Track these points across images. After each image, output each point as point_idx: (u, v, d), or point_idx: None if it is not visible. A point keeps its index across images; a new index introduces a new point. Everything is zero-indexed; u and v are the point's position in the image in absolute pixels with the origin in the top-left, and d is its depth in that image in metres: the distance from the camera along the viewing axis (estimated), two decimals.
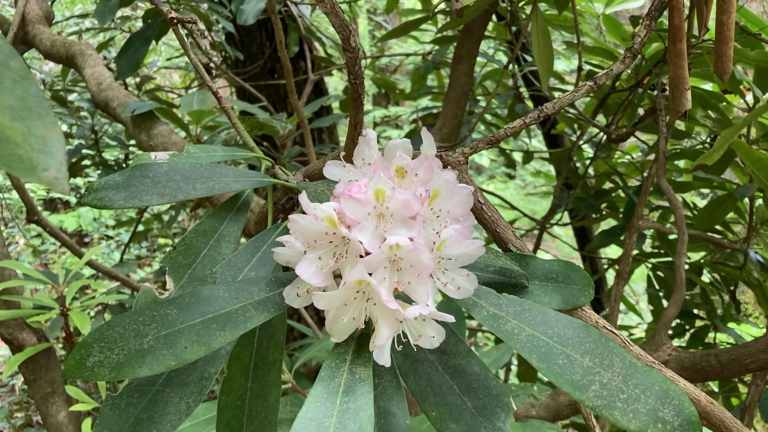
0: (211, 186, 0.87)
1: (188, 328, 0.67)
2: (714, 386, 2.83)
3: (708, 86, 2.41)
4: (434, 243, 0.68)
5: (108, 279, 3.43)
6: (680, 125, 2.69)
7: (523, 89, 3.03)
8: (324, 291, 0.69)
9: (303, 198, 0.68)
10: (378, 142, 0.78)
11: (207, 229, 0.89)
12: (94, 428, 0.70)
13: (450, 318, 0.68)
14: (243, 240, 1.45)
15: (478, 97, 3.09)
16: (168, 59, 4.26)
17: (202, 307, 0.69)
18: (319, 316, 3.04)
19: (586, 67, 2.69)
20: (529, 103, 3.14)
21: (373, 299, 0.67)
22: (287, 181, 0.94)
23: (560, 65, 5.51)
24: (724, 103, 2.34)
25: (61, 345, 2.81)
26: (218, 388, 0.88)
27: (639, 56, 2.32)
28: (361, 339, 0.72)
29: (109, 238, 6.48)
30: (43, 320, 2.27)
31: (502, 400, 0.83)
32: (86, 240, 6.69)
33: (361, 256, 0.66)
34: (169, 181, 0.87)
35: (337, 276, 0.71)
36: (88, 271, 4.58)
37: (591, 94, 2.77)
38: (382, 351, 0.69)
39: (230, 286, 0.72)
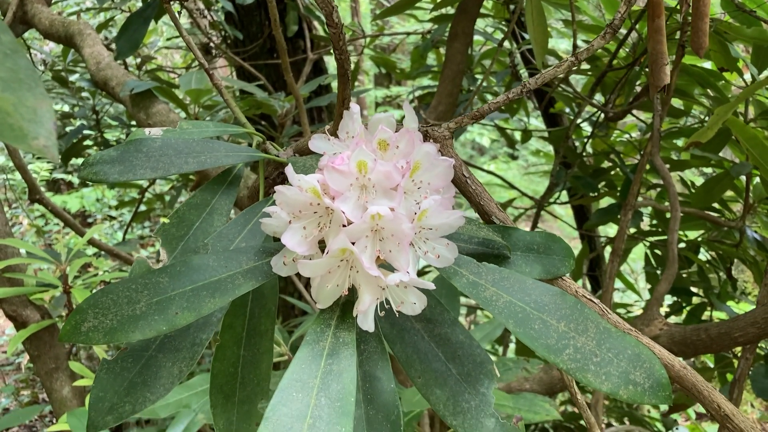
0: (202, 160, 0.90)
1: (179, 295, 0.70)
2: (710, 362, 2.86)
3: (706, 64, 2.42)
4: (415, 213, 0.70)
5: (110, 257, 3.47)
6: (678, 103, 2.70)
7: (521, 68, 3.04)
8: (310, 260, 0.72)
9: (289, 170, 0.71)
10: None
11: (199, 203, 0.92)
12: (91, 391, 0.73)
13: (430, 285, 0.70)
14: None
15: (477, 76, 3.10)
16: (168, 39, 4.27)
17: (193, 275, 0.72)
18: None
19: (584, 46, 2.69)
20: None
21: (356, 267, 0.70)
22: (278, 156, 0.96)
23: (562, 44, 5.49)
24: (722, 82, 2.34)
25: (64, 322, 2.85)
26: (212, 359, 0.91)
27: (636, 34, 2.33)
28: (345, 306, 0.74)
29: (112, 218, 6.53)
30: (46, 298, 2.31)
31: (485, 367, 0.86)
32: (89, 220, 6.73)
33: (344, 226, 0.69)
34: (162, 156, 0.89)
35: (322, 245, 0.73)
36: (91, 251, 4.62)
37: (589, 73, 2.78)
38: (365, 317, 0.71)
39: (220, 256, 0.75)
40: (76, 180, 7.28)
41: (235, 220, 0.86)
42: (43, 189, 6.95)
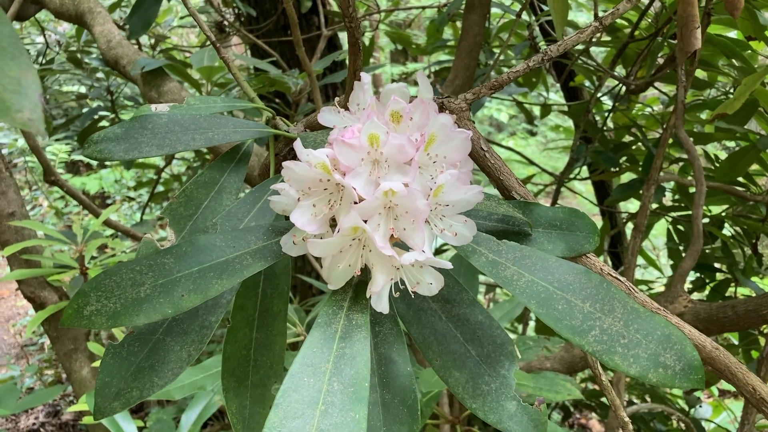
0: (210, 137, 0.86)
1: (185, 277, 0.67)
2: (734, 339, 2.81)
3: (732, 34, 2.33)
4: (431, 189, 0.67)
5: (128, 238, 3.47)
6: (702, 75, 2.62)
7: (539, 40, 2.96)
8: (320, 239, 0.68)
9: (297, 145, 0.67)
10: None
11: (207, 181, 0.89)
12: (97, 376, 0.71)
13: (447, 264, 0.67)
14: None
15: (495, 50, 3.03)
16: (182, 17, 4.22)
17: (199, 256, 0.69)
18: None
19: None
20: None
21: (368, 246, 0.67)
22: (288, 132, 0.93)
23: (581, 17, 5.38)
24: (749, 51, 2.26)
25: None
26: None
27: (659, 3, 2.25)
28: (358, 286, 0.71)
29: (131, 199, 6.55)
30: (66, 279, 2.31)
31: (506, 348, 0.82)
32: (108, 202, 6.77)
33: (356, 203, 0.65)
34: (168, 133, 0.86)
35: (334, 223, 0.70)
36: (109, 232, 4.64)
37: (610, 45, 2.71)
38: (379, 298, 0.68)
39: (227, 235, 0.72)
40: (95, 162, 7.31)
41: (245, 198, 0.83)
42: (62, 171, 7.00)
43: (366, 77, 0.72)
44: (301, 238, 0.69)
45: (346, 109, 0.75)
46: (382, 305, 0.68)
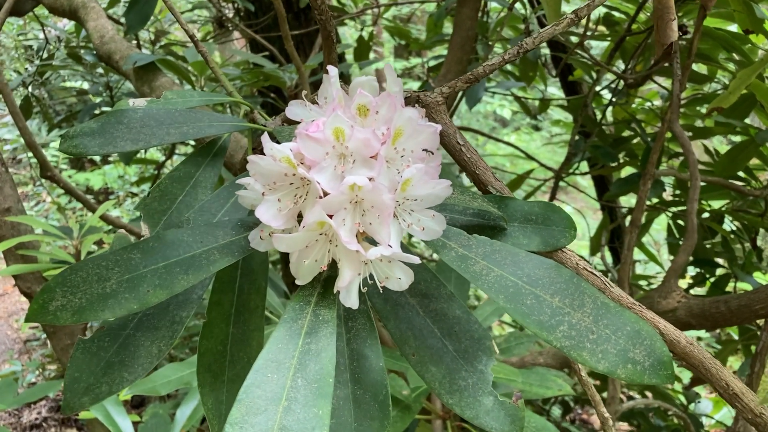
0: (184, 131, 0.86)
1: (151, 273, 0.67)
2: (734, 334, 2.79)
3: (732, 27, 2.31)
4: (399, 183, 0.66)
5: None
6: (702, 69, 2.59)
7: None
8: (289, 234, 0.68)
9: (264, 138, 0.67)
10: None
11: (182, 176, 0.89)
12: (66, 371, 0.71)
13: (415, 259, 0.66)
14: None
15: (497, 45, 3.02)
16: (183, 12, 4.22)
17: (166, 252, 0.69)
18: None
19: (603, 11, 2.59)
20: (544, 49, 3.05)
21: (335, 241, 0.66)
22: (265, 126, 0.92)
23: (570, 9, 5.35)
24: (748, 45, 2.24)
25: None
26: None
27: None
28: (327, 282, 0.71)
29: (134, 195, 6.56)
30: None
31: (484, 343, 0.82)
32: (112, 197, 6.78)
33: (321, 198, 0.65)
34: (143, 127, 0.86)
35: (301, 218, 0.69)
36: (107, 228, 4.65)
37: (608, 38, 2.69)
38: (348, 293, 0.68)
39: (195, 230, 0.71)
40: (98, 157, 7.33)
41: (218, 192, 0.83)
42: (66, 167, 7.02)
43: (333, 70, 0.71)
44: (268, 234, 0.69)
45: (315, 103, 0.75)
46: (351, 300, 0.68)
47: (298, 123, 0.93)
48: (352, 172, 0.64)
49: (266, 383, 0.61)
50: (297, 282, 0.69)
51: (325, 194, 0.64)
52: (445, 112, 0.84)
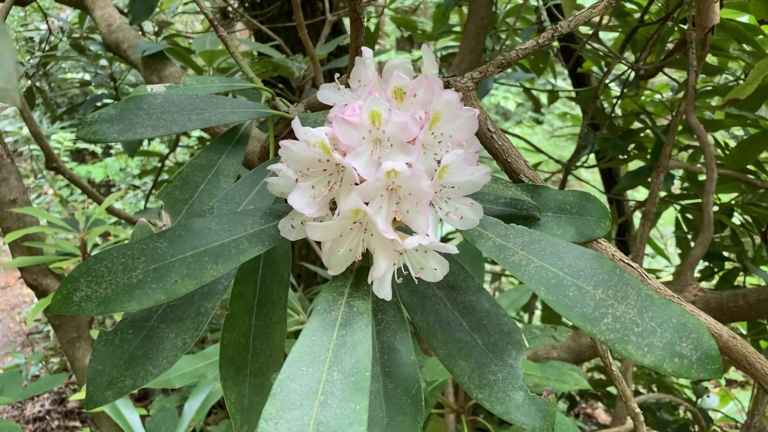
0: (207, 117, 0.83)
1: (179, 262, 0.64)
2: (742, 328, 2.77)
3: (744, 18, 2.29)
4: (435, 170, 0.64)
5: (130, 225, 3.45)
6: (713, 60, 2.57)
7: (547, 24, 2.91)
8: (320, 222, 0.65)
9: (295, 123, 0.64)
10: None
11: (204, 163, 0.86)
12: (89, 365, 0.68)
13: (453, 249, 0.64)
14: None
15: (501, 35, 2.99)
16: (186, 3, 4.19)
17: (193, 240, 0.66)
18: None
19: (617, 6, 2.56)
20: (555, 42, 3.02)
21: (370, 230, 0.64)
22: (287, 112, 0.90)
23: (587, 2, 5.31)
24: (761, 36, 2.21)
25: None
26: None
27: None
28: (360, 272, 0.68)
29: (136, 187, 6.53)
30: (65, 266, 2.29)
31: (513, 337, 0.80)
32: (113, 190, 6.75)
33: (357, 184, 0.62)
34: (164, 113, 0.83)
35: (334, 206, 0.67)
36: (112, 220, 4.62)
37: (619, 30, 2.66)
38: (381, 284, 0.65)
39: (223, 219, 0.69)
40: (99, 149, 7.30)
41: (242, 180, 0.80)
42: (66, 159, 6.99)
43: (368, 51, 0.69)
44: (300, 222, 0.66)
45: (347, 86, 0.72)
46: (384, 291, 0.65)
47: (320, 110, 0.90)
48: (389, 158, 0.62)
49: (301, 377, 0.58)
50: (329, 272, 0.66)
51: (361, 180, 0.62)
52: (476, 98, 0.81)
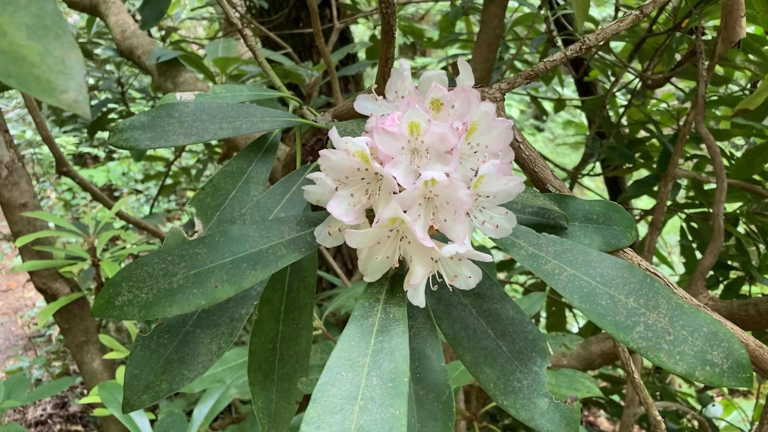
0: (237, 126, 0.84)
1: (218, 267, 0.66)
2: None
3: (750, 29, 2.31)
4: (471, 179, 0.65)
5: (138, 231, 3.46)
6: (719, 71, 2.59)
7: (556, 35, 2.93)
8: (357, 229, 0.67)
9: (333, 133, 0.65)
10: None
11: (235, 171, 0.87)
12: (126, 369, 0.69)
13: (488, 257, 0.65)
14: None
15: (509, 44, 3.01)
16: (192, 10, 4.21)
17: (232, 246, 0.67)
18: (347, 267, 3.04)
19: (623, 14, 2.59)
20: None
21: (407, 237, 0.65)
22: (315, 122, 0.91)
23: (592, 12, 5.34)
24: (766, 47, 2.24)
25: (93, 296, 2.85)
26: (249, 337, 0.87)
27: None
28: (395, 279, 0.69)
29: (138, 192, 6.54)
30: (75, 270, 2.29)
31: (538, 344, 0.81)
32: (116, 194, 6.75)
33: (395, 193, 0.63)
34: (196, 121, 0.84)
35: (369, 214, 0.68)
36: (119, 224, 4.64)
37: (627, 39, 2.68)
38: (416, 291, 0.66)
39: (260, 226, 0.70)
40: (102, 154, 7.31)
41: (273, 188, 0.81)
42: (69, 163, 7.00)
43: (405, 63, 0.70)
44: (337, 229, 0.67)
45: (383, 96, 0.73)
46: (418, 299, 0.67)
47: (348, 119, 0.92)
48: (428, 168, 0.63)
49: (341, 382, 0.59)
50: (366, 279, 0.67)
51: (400, 189, 0.63)
52: (503, 109, 0.82)
